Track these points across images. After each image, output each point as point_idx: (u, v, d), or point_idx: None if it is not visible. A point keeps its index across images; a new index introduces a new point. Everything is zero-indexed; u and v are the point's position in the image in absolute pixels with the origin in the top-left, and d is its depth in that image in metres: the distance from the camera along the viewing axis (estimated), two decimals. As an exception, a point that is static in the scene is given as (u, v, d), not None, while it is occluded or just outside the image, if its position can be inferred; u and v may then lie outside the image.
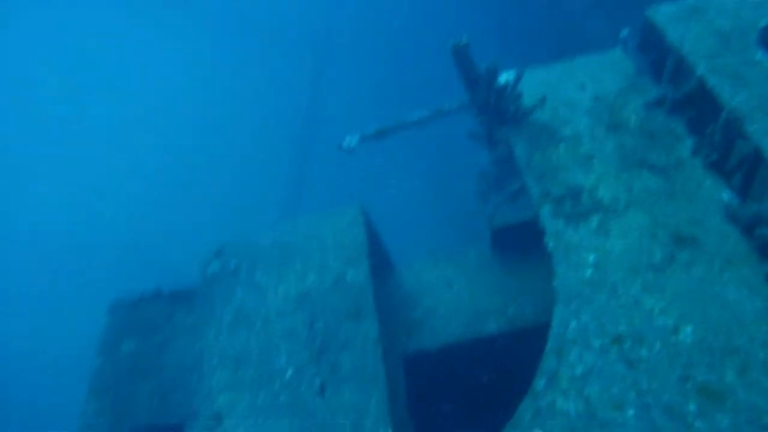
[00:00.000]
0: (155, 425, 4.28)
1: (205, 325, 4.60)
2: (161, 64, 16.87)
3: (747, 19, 4.59)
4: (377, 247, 5.25)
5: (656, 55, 4.95)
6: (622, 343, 3.45)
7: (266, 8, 16.80)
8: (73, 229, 14.04)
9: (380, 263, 5.25)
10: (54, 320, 12.54)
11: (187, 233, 12.06)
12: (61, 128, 16.11)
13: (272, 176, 13.61)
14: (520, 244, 5.09)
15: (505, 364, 5.04)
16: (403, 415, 4.30)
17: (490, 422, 4.33)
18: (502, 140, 4.89)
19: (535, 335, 3.91)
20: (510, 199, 5.22)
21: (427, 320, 5.00)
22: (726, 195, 4.01)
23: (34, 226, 14.44)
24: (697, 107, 4.46)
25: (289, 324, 4.48)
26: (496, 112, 4.81)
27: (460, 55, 4.57)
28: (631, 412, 3.20)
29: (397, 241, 6.05)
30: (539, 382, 3.38)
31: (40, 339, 12.45)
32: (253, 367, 4.28)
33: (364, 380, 4.07)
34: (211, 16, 17.37)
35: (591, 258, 3.85)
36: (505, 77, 5.00)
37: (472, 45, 4.59)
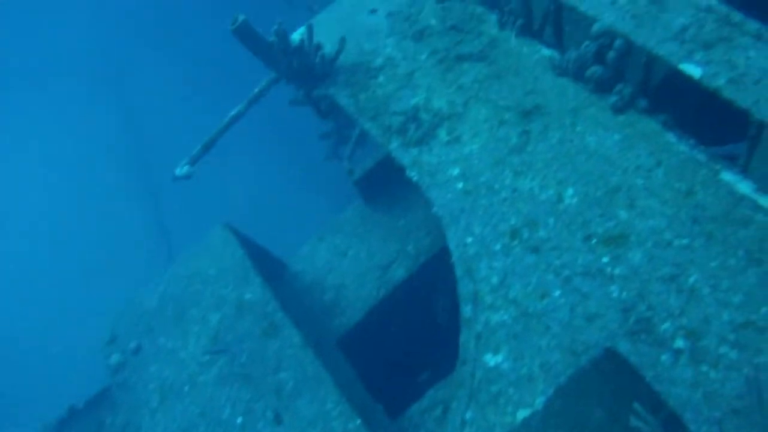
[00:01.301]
0: None
1: (137, 416, 4.30)
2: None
3: None
4: (260, 254, 5.03)
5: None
6: (520, 234, 3.46)
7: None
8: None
9: (270, 267, 5.04)
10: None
11: (72, 328, 11.12)
12: None
13: (132, 231, 12.72)
14: (388, 182, 5.01)
15: (430, 297, 5.04)
16: (361, 396, 4.20)
17: (440, 358, 4.34)
18: (324, 96, 4.69)
19: (443, 258, 3.87)
20: (359, 146, 5.10)
21: (340, 297, 4.88)
22: (546, 52, 4.04)
23: None
24: (483, -19, 4.44)
25: (216, 372, 4.25)
26: (304, 72, 4.59)
27: (242, 33, 4.26)
28: (557, 292, 3.24)
29: (274, 234, 5.83)
30: (465, 309, 3.34)
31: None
32: (204, 430, 4.06)
33: (311, 388, 3.93)
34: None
35: (456, 171, 3.81)
36: (298, 35, 4.79)
37: (257, 16, 4.30)
